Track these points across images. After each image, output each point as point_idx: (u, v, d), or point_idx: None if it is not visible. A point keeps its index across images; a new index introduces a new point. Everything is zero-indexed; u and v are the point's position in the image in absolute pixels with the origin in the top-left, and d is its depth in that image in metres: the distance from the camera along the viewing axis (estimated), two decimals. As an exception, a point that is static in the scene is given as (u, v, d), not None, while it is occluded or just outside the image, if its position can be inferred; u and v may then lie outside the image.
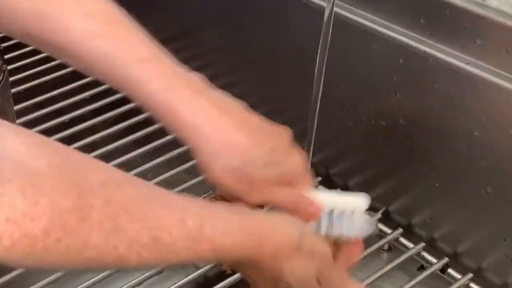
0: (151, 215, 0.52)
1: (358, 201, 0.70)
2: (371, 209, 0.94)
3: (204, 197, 0.86)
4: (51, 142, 0.49)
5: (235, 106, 0.66)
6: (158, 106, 0.65)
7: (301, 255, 0.61)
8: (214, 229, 0.55)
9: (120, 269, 0.53)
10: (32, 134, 0.49)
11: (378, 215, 0.72)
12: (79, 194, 0.48)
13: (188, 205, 0.56)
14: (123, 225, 0.50)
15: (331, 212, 0.68)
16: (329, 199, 0.69)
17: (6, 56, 1.11)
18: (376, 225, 0.69)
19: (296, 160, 0.67)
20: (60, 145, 0.50)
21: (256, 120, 0.67)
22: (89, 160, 0.51)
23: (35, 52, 1.17)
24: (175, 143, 1.01)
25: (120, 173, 0.53)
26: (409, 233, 0.91)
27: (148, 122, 1.05)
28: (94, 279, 0.81)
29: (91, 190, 0.49)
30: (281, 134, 0.67)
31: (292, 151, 0.67)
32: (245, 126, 0.66)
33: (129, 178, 0.53)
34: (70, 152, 0.51)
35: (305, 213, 0.67)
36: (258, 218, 0.61)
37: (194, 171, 0.96)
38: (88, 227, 0.48)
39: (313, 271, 0.63)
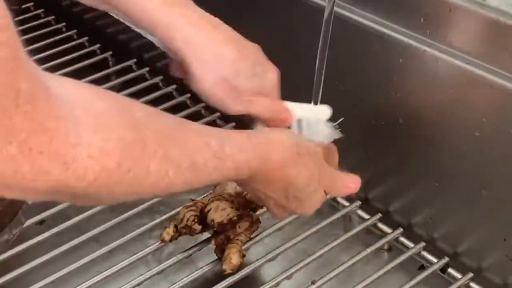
0: (187, 140, 0.58)
1: (321, 111, 0.79)
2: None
3: (203, 197, 0.86)
4: (98, 87, 0.55)
5: (220, 22, 0.74)
6: (152, 21, 0.72)
7: (302, 159, 0.69)
8: (232, 148, 0.62)
9: (167, 195, 0.60)
10: (84, 83, 0.54)
11: (339, 122, 0.81)
12: (136, 127, 0.53)
13: (208, 130, 0.63)
14: (170, 151, 0.55)
15: (299, 121, 0.77)
16: (297, 109, 0.78)
17: (6, 56, 1.11)
18: (339, 131, 0.80)
19: (272, 74, 0.76)
20: (103, 90, 0.55)
21: (238, 35, 0.75)
22: (127, 99, 0.56)
23: (36, 51, 1.18)
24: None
25: (150, 107, 0.58)
26: (409, 232, 0.91)
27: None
28: (94, 279, 0.81)
29: (142, 123, 0.54)
30: (259, 49, 0.76)
31: (269, 66, 0.76)
32: (232, 40, 0.74)
33: (158, 110, 0.59)
34: (112, 93, 0.56)
35: (279, 120, 0.76)
36: (260, 134, 0.69)
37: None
38: (147, 156, 0.53)
39: (315, 169, 0.71)
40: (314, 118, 0.78)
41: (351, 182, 0.76)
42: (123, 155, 0.51)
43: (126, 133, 0.52)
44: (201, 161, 0.59)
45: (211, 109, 1.08)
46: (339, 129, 0.79)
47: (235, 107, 0.75)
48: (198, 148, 0.59)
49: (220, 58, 0.73)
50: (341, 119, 0.79)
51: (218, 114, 1.07)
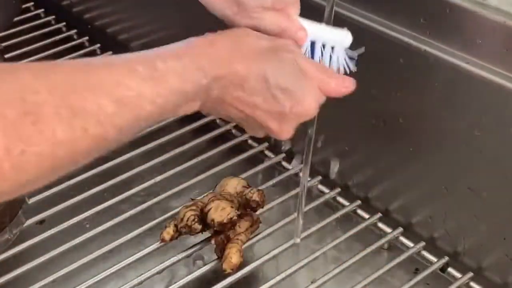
0: (100, 81, 0.49)
1: (341, 37, 0.70)
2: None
3: (204, 196, 0.86)
4: None
5: None
6: None
7: (267, 45, 0.61)
8: (165, 60, 0.54)
9: (104, 150, 0.50)
10: None
11: (360, 51, 0.71)
12: (21, 97, 0.45)
13: (129, 56, 0.53)
14: (79, 104, 0.47)
15: (312, 43, 0.68)
16: (313, 30, 0.69)
17: (6, 56, 1.12)
18: (356, 64, 0.70)
19: None
20: None
21: None
22: (11, 64, 0.48)
23: (35, 51, 1.18)
24: (174, 143, 1.01)
25: (45, 62, 0.50)
26: (409, 232, 0.91)
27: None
28: (94, 278, 0.81)
29: (31, 87, 0.46)
30: None
31: None
32: None
33: (58, 62, 0.52)
34: None
35: (292, 39, 0.67)
36: (203, 36, 0.59)
37: (193, 171, 0.97)
38: (47, 125, 0.46)
39: (291, 56, 0.62)
40: (331, 42, 0.69)
41: (346, 80, 0.66)
42: (8, 137, 0.44)
43: (7, 109, 0.44)
44: (130, 94, 0.50)
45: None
46: (357, 61, 0.70)
47: (241, 21, 0.65)
48: (120, 81, 0.50)
49: None
50: (362, 51, 0.72)
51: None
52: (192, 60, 0.55)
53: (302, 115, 0.63)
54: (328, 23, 0.71)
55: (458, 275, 0.86)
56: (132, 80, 0.51)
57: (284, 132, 0.64)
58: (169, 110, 0.55)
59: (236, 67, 0.58)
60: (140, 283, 0.81)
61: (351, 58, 0.70)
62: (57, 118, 0.46)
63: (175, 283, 0.81)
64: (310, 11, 0.91)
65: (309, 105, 0.63)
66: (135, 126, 0.52)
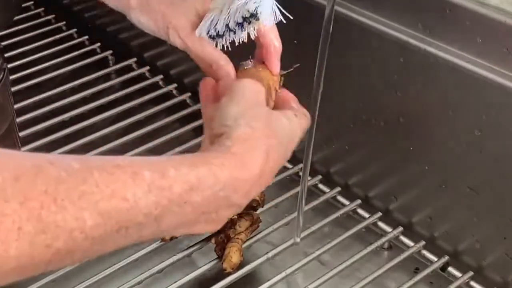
0: (91, 188, 0.43)
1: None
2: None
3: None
4: None
5: None
6: None
7: (274, 138, 0.58)
8: (178, 168, 0.47)
9: (71, 264, 0.45)
10: None
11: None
12: None
13: (138, 160, 0.47)
14: (52, 219, 0.42)
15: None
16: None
17: (6, 55, 1.11)
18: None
19: None
20: None
21: None
22: (3, 155, 0.43)
23: (35, 50, 1.18)
24: (175, 141, 1.01)
25: (40, 157, 0.44)
26: (409, 231, 0.91)
27: (148, 120, 1.05)
28: (95, 277, 0.81)
29: (4, 194, 0.41)
30: None
31: None
32: None
33: (52, 158, 0.44)
34: None
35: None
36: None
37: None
38: (2, 241, 0.40)
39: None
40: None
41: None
42: None
43: None
44: (123, 206, 0.44)
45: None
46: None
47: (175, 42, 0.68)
48: (115, 191, 0.44)
49: None
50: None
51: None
52: (212, 172, 0.49)
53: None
54: (328, 22, 0.71)
55: (458, 274, 0.86)
56: (131, 189, 0.45)
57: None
58: (170, 224, 0.48)
59: (243, 183, 0.52)
60: (140, 282, 0.81)
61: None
62: (16, 234, 0.41)
63: (175, 282, 0.81)
64: (311, 10, 0.91)
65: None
66: (117, 241, 0.46)
